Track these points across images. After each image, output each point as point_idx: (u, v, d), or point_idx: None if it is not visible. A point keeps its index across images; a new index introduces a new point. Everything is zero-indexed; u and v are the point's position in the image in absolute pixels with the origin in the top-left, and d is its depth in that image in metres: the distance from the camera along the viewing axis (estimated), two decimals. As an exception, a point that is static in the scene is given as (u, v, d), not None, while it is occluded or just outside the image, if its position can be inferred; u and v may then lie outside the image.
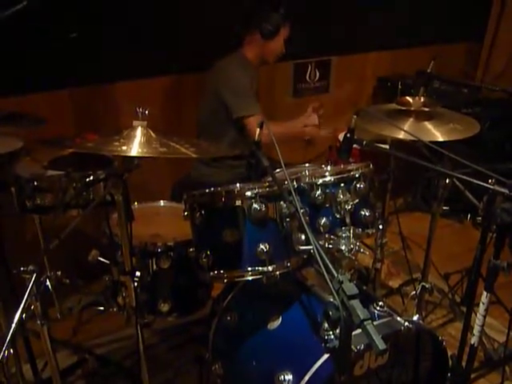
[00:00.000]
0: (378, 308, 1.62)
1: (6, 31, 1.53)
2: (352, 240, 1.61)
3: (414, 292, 2.35)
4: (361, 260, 2.66)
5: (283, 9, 2.57)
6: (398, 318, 1.59)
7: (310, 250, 1.15)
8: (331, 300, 1.01)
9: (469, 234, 3.43)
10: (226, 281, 1.80)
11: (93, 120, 2.75)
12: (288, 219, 1.57)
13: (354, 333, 1.04)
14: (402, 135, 1.97)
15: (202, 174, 2.70)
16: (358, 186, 1.68)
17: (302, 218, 1.26)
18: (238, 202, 1.56)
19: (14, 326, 1.38)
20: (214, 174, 2.67)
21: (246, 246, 1.57)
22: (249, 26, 2.60)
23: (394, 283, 2.91)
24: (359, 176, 1.70)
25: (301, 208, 1.40)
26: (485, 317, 1.59)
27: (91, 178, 1.68)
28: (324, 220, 1.63)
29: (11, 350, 1.71)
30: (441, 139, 1.95)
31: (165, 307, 1.96)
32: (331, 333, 1.49)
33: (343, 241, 1.60)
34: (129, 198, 1.60)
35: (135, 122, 1.56)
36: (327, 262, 1.07)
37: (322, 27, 3.41)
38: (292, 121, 2.68)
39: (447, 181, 2.07)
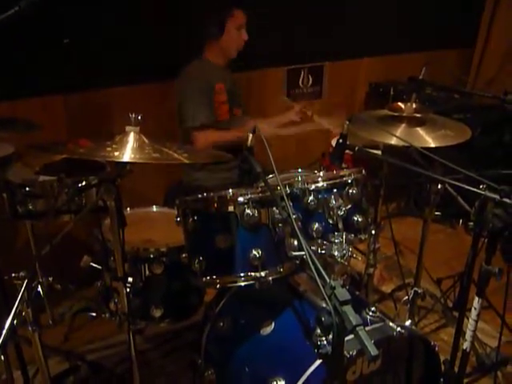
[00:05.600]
0: (371, 313, 1.62)
1: (-1, 36, 1.53)
2: (344, 245, 1.60)
3: (407, 297, 2.36)
4: (353, 265, 2.66)
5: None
6: (391, 324, 1.59)
7: (303, 255, 1.15)
8: (324, 306, 1.00)
9: (461, 239, 3.45)
10: (218, 286, 1.80)
11: (86, 125, 2.74)
12: (280, 225, 1.57)
13: (346, 338, 1.04)
14: (394, 141, 1.98)
15: (194, 178, 2.70)
16: (350, 191, 1.68)
17: (295, 224, 1.26)
18: (231, 208, 1.56)
19: (4, 332, 1.37)
20: (204, 179, 2.66)
21: (238, 251, 1.57)
22: (202, 35, 2.63)
23: (387, 288, 2.91)
24: (352, 181, 1.70)
25: (293, 214, 1.40)
26: (477, 322, 1.59)
27: (83, 183, 1.68)
28: (317, 225, 1.63)
29: (2, 357, 1.70)
30: (432, 145, 1.97)
31: (157, 313, 1.96)
32: (324, 338, 1.48)
33: (336, 246, 1.60)
34: (121, 204, 1.59)
35: (128, 128, 1.56)
36: (320, 267, 1.07)
37: (315, 33, 3.43)
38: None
39: (439, 186, 2.08)
